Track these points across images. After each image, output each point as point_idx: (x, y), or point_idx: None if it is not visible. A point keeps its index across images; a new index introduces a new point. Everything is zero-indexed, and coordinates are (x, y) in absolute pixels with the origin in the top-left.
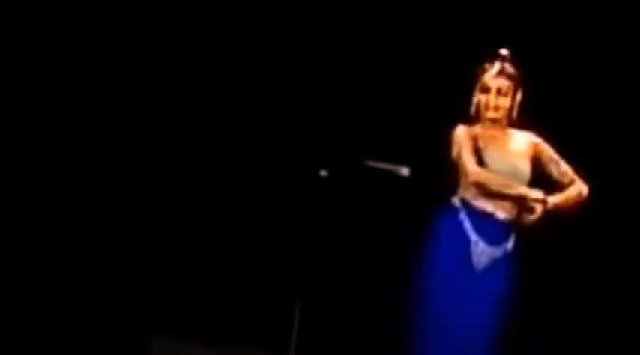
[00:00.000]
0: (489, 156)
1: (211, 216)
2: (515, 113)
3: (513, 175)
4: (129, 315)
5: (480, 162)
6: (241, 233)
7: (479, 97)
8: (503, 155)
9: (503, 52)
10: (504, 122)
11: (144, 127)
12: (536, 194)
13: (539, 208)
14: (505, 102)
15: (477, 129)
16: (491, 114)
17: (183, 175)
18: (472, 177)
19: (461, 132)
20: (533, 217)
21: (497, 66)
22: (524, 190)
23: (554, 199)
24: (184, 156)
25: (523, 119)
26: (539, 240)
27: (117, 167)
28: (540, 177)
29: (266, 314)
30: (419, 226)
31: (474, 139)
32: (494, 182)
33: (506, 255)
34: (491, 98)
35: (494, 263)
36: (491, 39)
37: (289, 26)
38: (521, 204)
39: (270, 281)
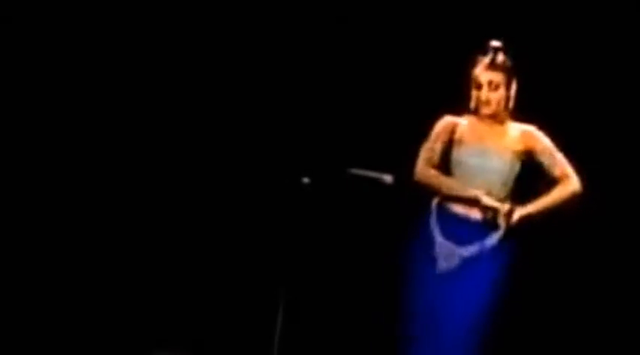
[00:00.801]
0: (463, 150)
1: (194, 222)
2: (511, 105)
3: (487, 172)
4: (127, 326)
5: (447, 156)
6: (224, 240)
7: (473, 92)
8: (481, 150)
9: (495, 43)
10: (501, 115)
11: (123, 138)
12: (490, 201)
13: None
14: (497, 95)
15: (465, 121)
16: (484, 109)
17: (168, 184)
18: (417, 177)
19: (440, 124)
20: (509, 220)
21: (487, 58)
22: (476, 193)
23: (527, 208)
24: (167, 164)
25: (521, 111)
26: (525, 234)
27: (108, 177)
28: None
29: (249, 320)
30: (401, 234)
31: (452, 132)
32: (440, 184)
33: (485, 253)
34: (482, 93)
35: (470, 262)
36: (483, 32)
37: (272, 34)
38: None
39: (254, 288)
